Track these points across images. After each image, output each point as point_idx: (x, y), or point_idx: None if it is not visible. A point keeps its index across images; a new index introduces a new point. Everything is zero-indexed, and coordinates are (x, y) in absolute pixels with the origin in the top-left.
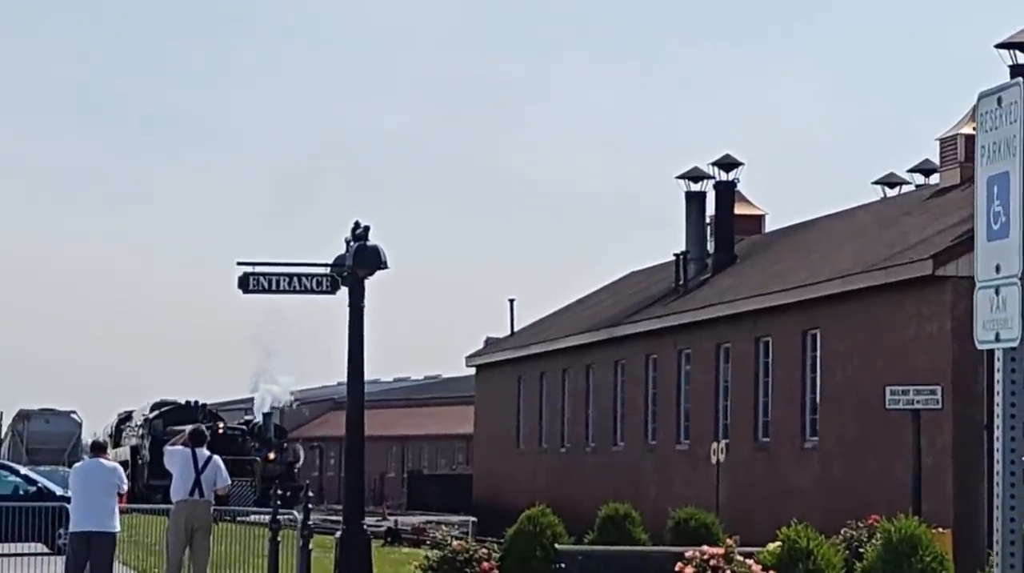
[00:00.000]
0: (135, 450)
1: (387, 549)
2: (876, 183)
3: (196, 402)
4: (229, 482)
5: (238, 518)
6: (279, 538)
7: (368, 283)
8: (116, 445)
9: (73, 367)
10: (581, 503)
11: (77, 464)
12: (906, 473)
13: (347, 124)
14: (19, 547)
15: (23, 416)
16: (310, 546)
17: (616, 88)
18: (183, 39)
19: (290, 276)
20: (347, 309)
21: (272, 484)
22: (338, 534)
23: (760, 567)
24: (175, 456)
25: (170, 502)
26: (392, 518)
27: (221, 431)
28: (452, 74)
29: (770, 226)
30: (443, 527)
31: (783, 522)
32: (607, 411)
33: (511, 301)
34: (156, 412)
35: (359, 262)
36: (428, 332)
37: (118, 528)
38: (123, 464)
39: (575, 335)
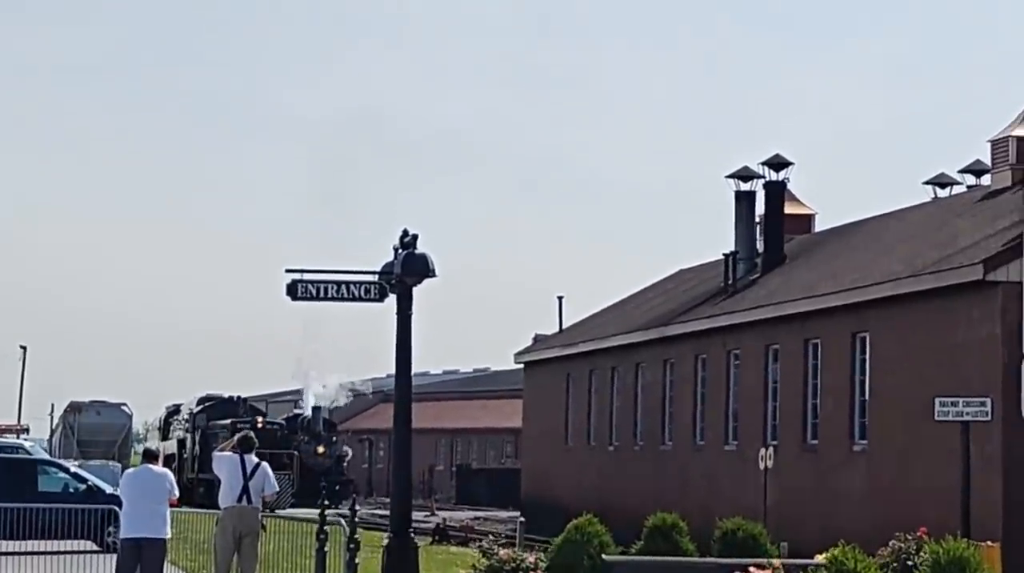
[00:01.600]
0: (181, 443)
1: (435, 548)
2: (927, 183)
3: (239, 397)
4: (277, 489)
5: (277, 513)
6: (326, 547)
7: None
8: (164, 438)
9: (124, 361)
10: (629, 502)
11: (128, 470)
12: (956, 480)
13: (396, 114)
14: (69, 544)
15: (74, 408)
16: (356, 559)
17: (668, 82)
18: (237, 24)
19: (338, 284)
20: (395, 316)
21: (321, 478)
22: (385, 541)
23: None
24: (223, 462)
25: (213, 498)
26: (441, 514)
27: (260, 425)
28: (503, 64)
29: (820, 225)
30: (491, 535)
31: (832, 528)
32: (655, 410)
33: (559, 298)
34: (201, 406)
35: (407, 271)
36: (477, 326)
37: (169, 534)
38: (170, 457)
39: (624, 334)
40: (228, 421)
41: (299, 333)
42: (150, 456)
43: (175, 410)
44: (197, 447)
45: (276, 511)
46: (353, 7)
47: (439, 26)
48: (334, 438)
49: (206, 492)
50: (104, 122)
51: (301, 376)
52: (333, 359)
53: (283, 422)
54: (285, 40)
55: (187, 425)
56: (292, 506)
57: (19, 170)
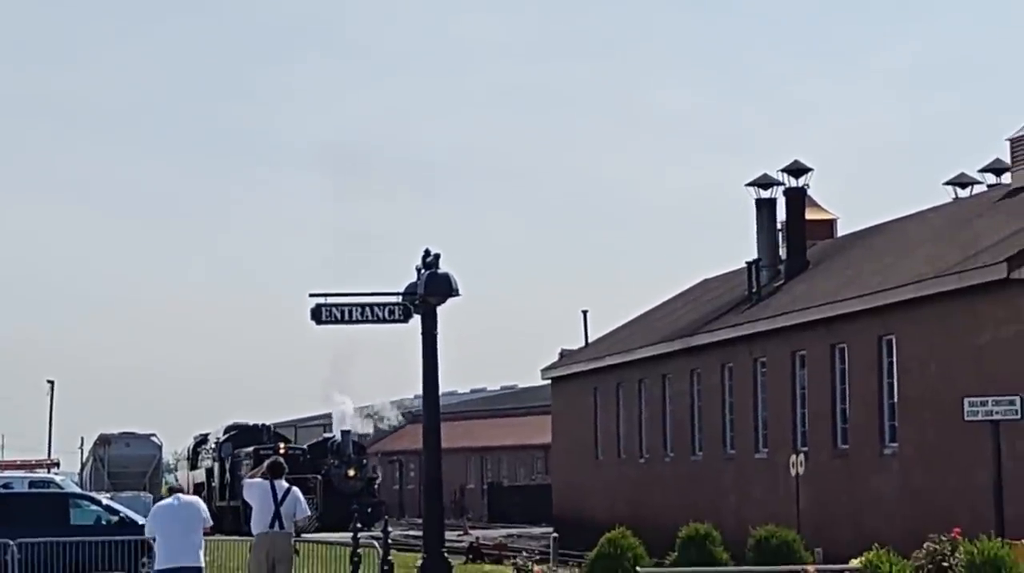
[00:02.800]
0: (209, 472)
1: (469, 567)
2: (947, 184)
3: (263, 424)
4: (308, 513)
5: (306, 537)
6: (360, 570)
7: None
8: (193, 467)
9: (153, 391)
10: (662, 514)
11: (159, 502)
12: (988, 479)
13: (415, 136)
14: None
15: (104, 440)
16: None
17: (687, 94)
18: (249, 54)
19: (362, 306)
20: (420, 336)
21: (352, 501)
22: (419, 562)
23: None
24: (254, 489)
25: (242, 526)
26: (473, 532)
27: (283, 451)
28: (517, 81)
29: (842, 230)
30: (524, 552)
31: (866, 531)
32: (684, 421)
33: (584, 312)
34: (226, 435)
35: (431, 290)
36: (503, 343)
37: (204, 562)
38: (199, 486)
39: (650, 346)
40: (251, 449)
41: (328, 357)
42: (176, 491)
43: (203, 439)
44: (226, 475)
45: (303, 535)
46: (359, 34)
47: (455, 48)
48: (364, 461)
49: (234, 520)
50: (115, 164)
51: (328, 400)
52: (365, 381)
53: (305, 448)
54: (295, 70)
55: (214, 454)
56: (317, 530)
57: (40, 218)
